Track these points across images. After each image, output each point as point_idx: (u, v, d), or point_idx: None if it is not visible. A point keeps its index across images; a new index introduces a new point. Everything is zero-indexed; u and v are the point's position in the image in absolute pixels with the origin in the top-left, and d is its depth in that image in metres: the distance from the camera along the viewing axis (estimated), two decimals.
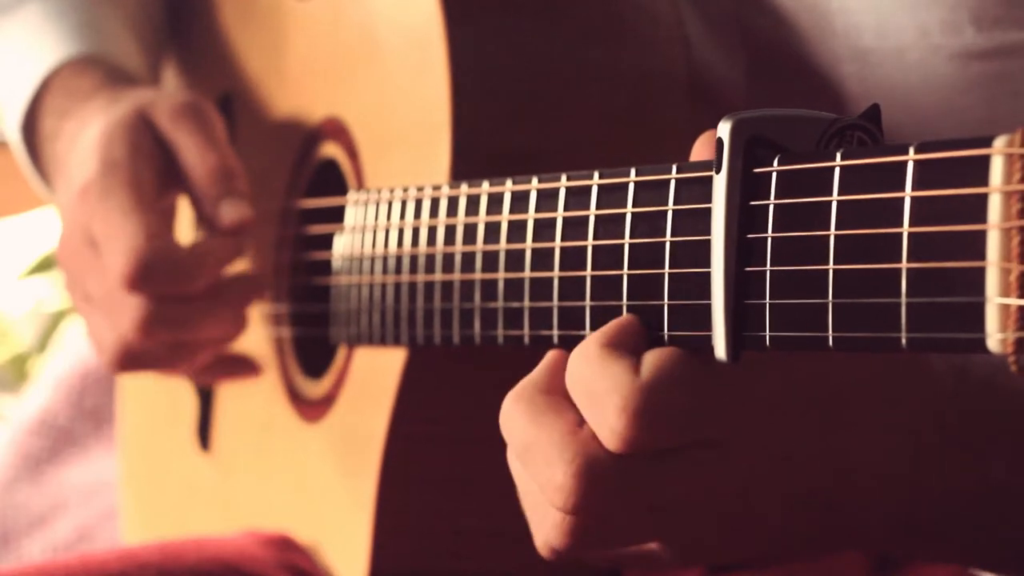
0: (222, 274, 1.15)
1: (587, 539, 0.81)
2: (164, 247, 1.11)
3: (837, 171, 0.69)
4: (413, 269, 1.00)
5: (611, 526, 0.81)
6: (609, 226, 0.82)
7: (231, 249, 1.15)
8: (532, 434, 0.80)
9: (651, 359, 0.77)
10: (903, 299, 0.65)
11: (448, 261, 0.96)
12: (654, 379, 0.76)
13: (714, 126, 1.06)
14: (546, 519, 0.81)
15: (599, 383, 0.77)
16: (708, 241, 0.75)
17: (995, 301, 0.62)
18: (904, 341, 0.65)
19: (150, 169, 1.15)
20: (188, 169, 1.16)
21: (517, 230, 0.89)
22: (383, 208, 1.04)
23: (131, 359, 1.16)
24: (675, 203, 0.78)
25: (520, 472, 0.84)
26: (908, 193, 0.65)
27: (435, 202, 0.98)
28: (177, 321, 1.13)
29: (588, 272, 0.84)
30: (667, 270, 0.78)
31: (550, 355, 0.84)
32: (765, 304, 0.72)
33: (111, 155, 1.15)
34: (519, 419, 0.81)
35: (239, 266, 1.21)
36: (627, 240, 0.81)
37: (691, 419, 0.78)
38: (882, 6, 1.03)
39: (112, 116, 1.17)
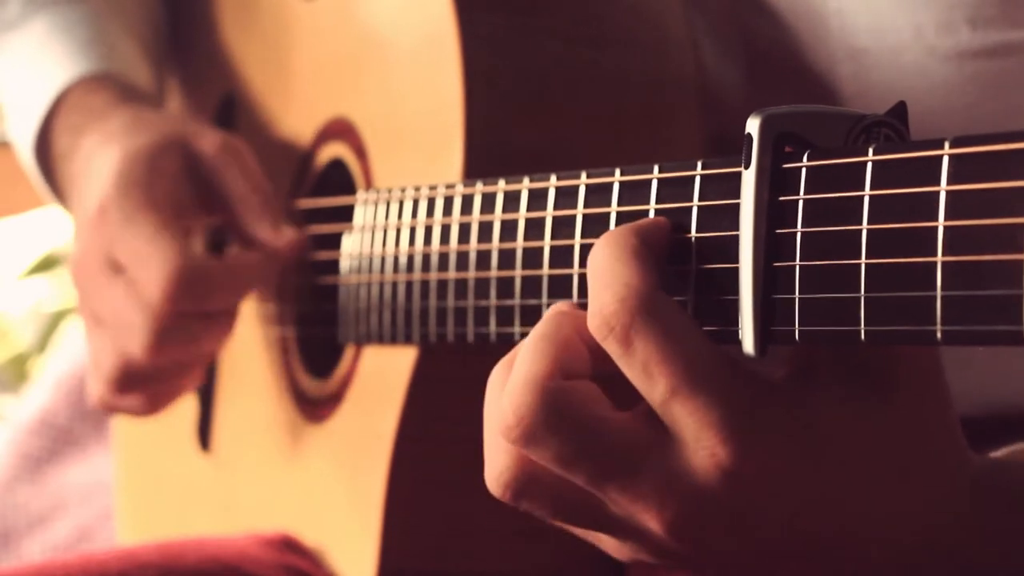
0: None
1: None
2: (198, 264, 1.12)
3: (870, 166, 0.69)
4: (426, 267, 1.00)
5: None
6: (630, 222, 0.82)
7: (267, 266, 1.17)
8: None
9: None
10: (938, 292, 0.65)
11: (463, 259, 0.96)
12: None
13: (718, 127, 1.07)
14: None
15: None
16: (735, 237, 0.75)
17: None
18: (939, 334, 0.65)
19: (169, 191, 1.16)
20: (239, 194, 1.17)
21: (535, 227, 0.89)
22: (394, 207, 1.04)
23: (129, 381, 1.16)
24: (699, 200, 0.78)
25: None
26: (943, 187, 0.65)
27: (448, 200, 0.98)
28: (190, 336, 1.13)
29: None
30: (693, 265, 0.78)
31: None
32: (794, 299, 0.72)
33: (130, 177, 1.16)
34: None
35: None
36: None
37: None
38: (877, 6, 1.03)
39: (137, 140, 1.17)
